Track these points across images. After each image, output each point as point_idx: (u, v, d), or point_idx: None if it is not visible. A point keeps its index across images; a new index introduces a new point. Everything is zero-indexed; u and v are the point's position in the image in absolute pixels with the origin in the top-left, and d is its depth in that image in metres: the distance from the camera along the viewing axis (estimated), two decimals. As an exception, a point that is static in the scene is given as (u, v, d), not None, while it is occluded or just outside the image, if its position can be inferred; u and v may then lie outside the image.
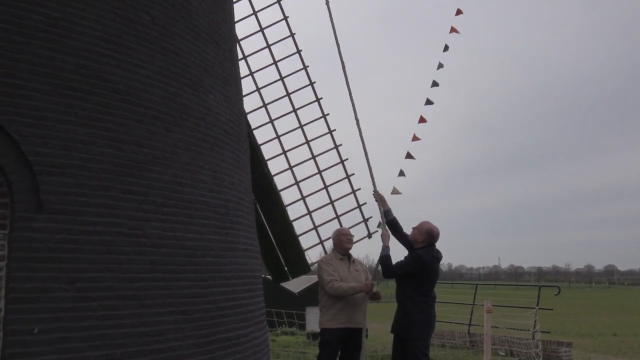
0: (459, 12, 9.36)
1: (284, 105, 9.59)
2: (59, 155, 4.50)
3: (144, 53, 5.30)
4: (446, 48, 9.12)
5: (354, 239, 6.93)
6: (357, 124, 7.09)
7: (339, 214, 10.05)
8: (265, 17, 9.54)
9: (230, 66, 6.93)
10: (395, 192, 7.90)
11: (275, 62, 9.54)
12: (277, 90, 9.57)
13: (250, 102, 8.93)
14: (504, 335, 13.58)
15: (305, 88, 9.57)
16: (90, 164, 4.68)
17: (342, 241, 6.57)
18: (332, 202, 9.83)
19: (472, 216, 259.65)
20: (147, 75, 5.28)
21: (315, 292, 6.68)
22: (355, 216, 9.95)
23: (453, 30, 9.35)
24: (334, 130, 9.83)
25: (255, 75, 9.21)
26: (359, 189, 10.02)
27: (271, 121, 9.05)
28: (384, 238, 6.47)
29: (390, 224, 6.69)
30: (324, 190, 9.64)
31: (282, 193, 8.92)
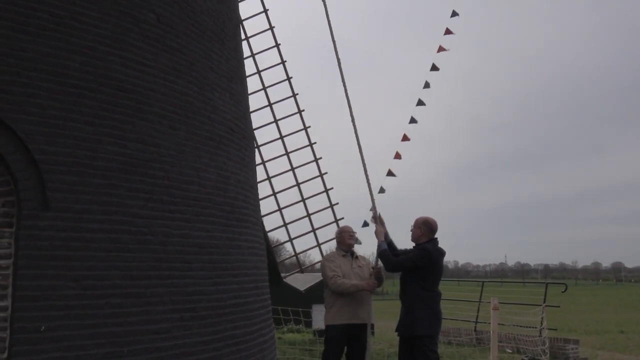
0: (448, 31, 9.39)
1: (266, 116, 9.68)
2: (65, 154, 4.51)
3: (149, 51, 5.30)
4: (434, 67, 9.14)
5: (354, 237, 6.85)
6: (357, 141, 6.89)
7: (315, 227, 10.14)
8: (252, 26, 9.59)
9: (236, 64, 6.93)
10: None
11: (258, 72, 9.59)
12: (259, 100, 9.65)
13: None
14: (511, 333, 13.53)
15: (288, 99, 9.68)
16: (96, 162, 4.68)
17: (344, 237, 6.55)
18: (309, 215, 9.92)
19: (478, 214, 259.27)
20: (152, 74, 5.28)
21: (322, 290, 6.67)
22: (333, 229, 10.10)
23: (441, 49, 9.39)
24: (314, 143, 9.91)
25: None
26: (337, 203, 10.17)
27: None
28: (378, 234, 6.37)
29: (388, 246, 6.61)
30: (302, 203, 9.70)
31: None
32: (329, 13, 7.04)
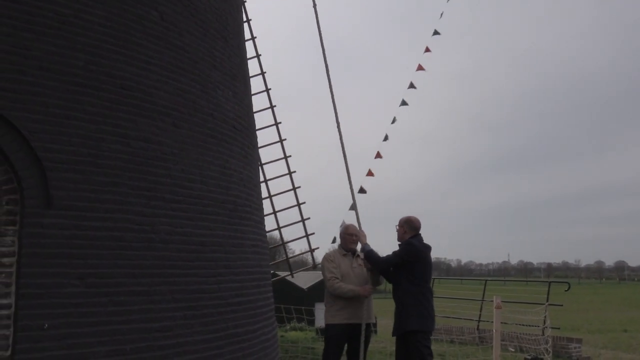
0: (427, 49, 9.48)
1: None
2: (68, 152, 4.52)
3: (153, 49, 5.31)
4: (412, 85, 9.20)
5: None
6: (344, 158, 6.89)
7: (285, 240, 10.15)
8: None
9: (239, 62, 6.93)
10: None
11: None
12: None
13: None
14: (514, 331, 13.52)
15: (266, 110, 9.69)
16: (99, 160, 4.69)
17: (347, 240, 6.56)
18: (279, 228, 9.91)
19: (481, 212, 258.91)
20: (155, 72, 5.28)
21: (324, 288, 6.69)
22: (303, 244, 10.12)
23: (420, 68, 9.47)
24: (290, 156, 9.91)
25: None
26: (309, 218, 10.17)
27: None
28: (361, 239, 6.45)
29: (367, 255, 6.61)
30: (272, 215, 9.69)
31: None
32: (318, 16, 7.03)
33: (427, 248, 6.24)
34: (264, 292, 6.48)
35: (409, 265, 6.05)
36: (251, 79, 8.49)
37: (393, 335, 6.24)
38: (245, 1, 9.13)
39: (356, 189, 7.23)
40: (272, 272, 9.42)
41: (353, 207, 6.97)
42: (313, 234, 10.11)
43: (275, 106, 9.85)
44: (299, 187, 9.99)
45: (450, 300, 16.77)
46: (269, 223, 9.15)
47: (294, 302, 15.05)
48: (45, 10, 4.62)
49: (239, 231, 6.03)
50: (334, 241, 8.24)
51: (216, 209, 5.67)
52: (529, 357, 11.03)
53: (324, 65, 7.27)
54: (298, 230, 10.12)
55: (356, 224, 6.75)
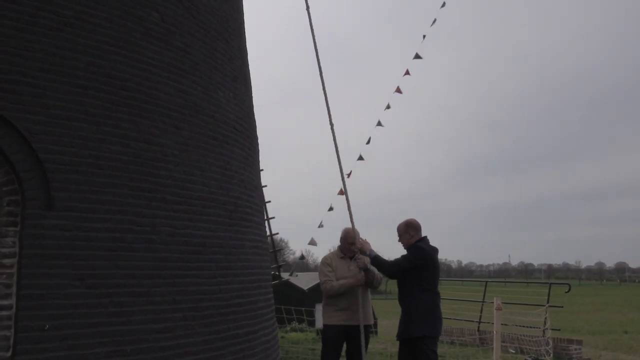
0: (407, 72, 9.55)
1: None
2: (69, 153, 4.53)
3: (154, 51, 5.31)
4: (388, 106, 9.25)
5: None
6: (342, 176, 6.83)
7: None
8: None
9: (240, 63, 6.93)
10: (312, 242, 7.93)
11: None
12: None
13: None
14: (514, 333, 13.52)
15: None
16: (100, 161, 4.70)
17: (345, 249, 6.50)
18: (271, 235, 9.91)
19: (482, 213, 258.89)
20: (156, 73, 5.29)
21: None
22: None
23: (397, 90, 9.53)
24: (265, 186, 9.91)
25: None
26: (277, 233, 10.20)
27: None
28: (365, 246, 6.30)
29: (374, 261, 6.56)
30: None
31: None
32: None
33: (435, 251, 6.16)
34: (264, 293, 6.49)
35: (420, 270, 5.95)
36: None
37: (398, 339, 6.16)
38: None
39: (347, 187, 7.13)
40: (273, 273, 9.43)
41: (348, 208, 6.85)
42: (273, 217, 10.28)
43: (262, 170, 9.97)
44: (273, 217, 10.17)
45: (450, 302, 16.75)
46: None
47: (295, 303, 15.06)
48: (46, 11, 4.62)
49: (240, 232, 6.04)
50: (303, 255, 8.30)
51: (217, 210, 5.67)
52: (530, 359, 11.04)
53: (326, 64, 7.23)
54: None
55: (351, 226, 6.60)
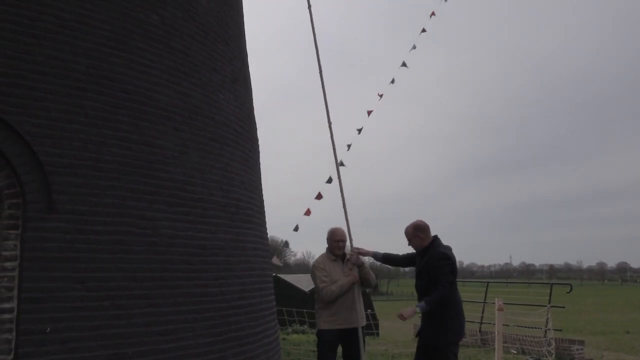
0: (380, 96, 9.68)
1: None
2: (70, 156, 4.53)
3: (153, 53, 5.32)
4: (359, 131, 9.34)
5: None
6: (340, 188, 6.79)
7: None
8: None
9: (240, 65, 6.94)
10: (276, 263, 7.90)
11: None
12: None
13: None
14: (516, 334, 13.51)
15: None
16: (101, 164, 4.70)
17: (334, 247, 6.38)
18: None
19: (483, 214, 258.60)
20: (156, 75, 5.29)
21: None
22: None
23: (369, 112, 9.64)
24: None
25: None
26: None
27: None
28: (364, 253, 6.26)
29: (385, 260, 6.45)
30: None
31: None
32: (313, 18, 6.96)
33: (451, 250, 6.00)
34: (265, 295, 6.48)
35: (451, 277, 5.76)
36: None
37: (416, 336, 6.03)
38: None
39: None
40: (273, 274, 9.43)
41: (343, 208, 6.74)
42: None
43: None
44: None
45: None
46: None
47: (296, 304, 15.05)
48: (46, 14, 4.63)
49: (241, 234, 6.04)
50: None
51: (218, 212, 5.67)
52: (532, 359, 11.02)
53: (327, 64, 7.21)
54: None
55: (345, 226, 6.49)
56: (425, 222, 6.12)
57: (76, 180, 4.53)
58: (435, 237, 6.05)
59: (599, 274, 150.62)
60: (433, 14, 10.35)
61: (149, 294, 4.81)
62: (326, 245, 6.52)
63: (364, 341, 6.24)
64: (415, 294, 6.13)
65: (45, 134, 4.43)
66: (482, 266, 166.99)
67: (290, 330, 16.29)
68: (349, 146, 9.32)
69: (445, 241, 6.12)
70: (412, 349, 12.39)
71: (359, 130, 9.76)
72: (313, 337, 15.23)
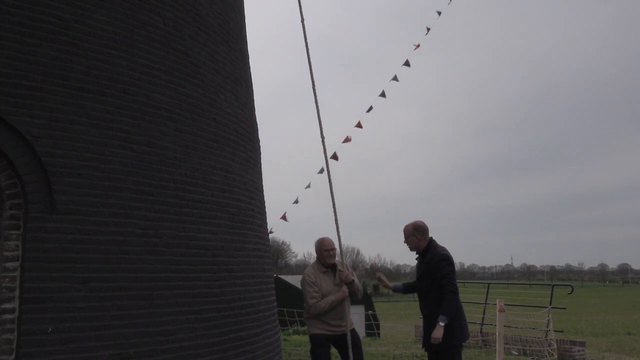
0: (360, 123, 9.81)
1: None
2: (72, 156, 4.54)
3: (155, 54, 5.33)
4: (335, 157, 9.33)
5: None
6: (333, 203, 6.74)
7: None
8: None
9: (241, 66, 6.94)
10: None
11: None
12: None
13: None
14: (517, 335, 13.51)
15: None
16: (102, 164, 4.71)
17: (324, 257, 6.22)
18: None
19: (484, 215, 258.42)
20: (158, 76, 5.30)
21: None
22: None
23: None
24: None
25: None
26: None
27: None
28: (387, 286, 6.30)
29: (406, 290, 6.38)
30: None
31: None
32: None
33: (448, 252, 5.97)
34: (266, 296, 6.49)
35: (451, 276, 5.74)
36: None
37: (423, 347, 6.00)
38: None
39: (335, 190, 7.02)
40: (274, 275, 9.43)
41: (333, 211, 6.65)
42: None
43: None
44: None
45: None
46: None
47: (297, 305, 15.02)
48: (48, 15, 4.64)
49: (242, 235, 6.04)
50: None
51: (219, 212, 5.68)
52: (533, 361, 11.01)
53: (322, 64, 7.20)
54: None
55: (336, 234, 6.41)
56: (425, 223, 6.12)
57: (78, 181, 4.54)
58: (431, 239, 6.05)
59: (600, 275, 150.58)
60: (439, 13, 10.37)
61: (151, 294, 4.82)
62: (315, 256, 6.37)
63: (358, 340, 6.26)
64: (416, 294, 6.15)
65: (47, 134, 4.43)
66: (483, 267, 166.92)
67: (291, 330, 16.28)
68: (334, 155, 9.25)
69: (446, 242, 6.09)
70: (413, 350, 12.43)
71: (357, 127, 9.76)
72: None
